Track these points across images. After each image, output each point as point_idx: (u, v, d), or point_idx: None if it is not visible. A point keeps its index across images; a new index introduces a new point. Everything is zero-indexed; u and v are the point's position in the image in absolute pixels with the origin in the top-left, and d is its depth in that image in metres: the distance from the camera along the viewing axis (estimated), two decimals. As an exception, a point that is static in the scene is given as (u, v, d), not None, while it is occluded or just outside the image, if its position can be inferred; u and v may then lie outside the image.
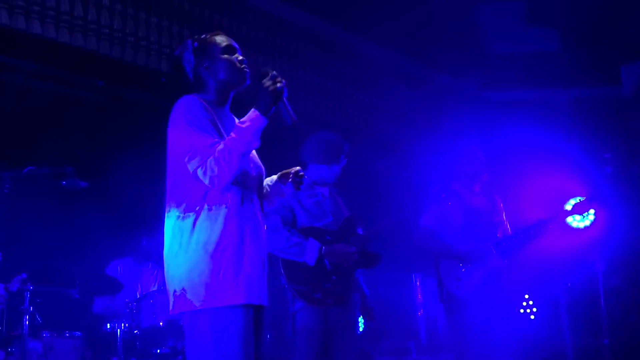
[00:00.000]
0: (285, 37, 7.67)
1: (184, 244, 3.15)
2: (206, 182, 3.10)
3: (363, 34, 8.13)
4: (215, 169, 3.08)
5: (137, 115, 6.61)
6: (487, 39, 8.97)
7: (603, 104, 9.03)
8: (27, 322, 5.33)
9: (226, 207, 3.18)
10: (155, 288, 6.40)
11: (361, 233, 4.81)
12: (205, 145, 3.12)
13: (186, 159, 3.13)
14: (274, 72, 3.20)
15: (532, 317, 8.21)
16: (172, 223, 3.21)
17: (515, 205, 6.00)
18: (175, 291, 3.14)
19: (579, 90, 8.87)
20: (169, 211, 3.24)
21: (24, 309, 5.32)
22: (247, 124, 3.14)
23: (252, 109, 3.17)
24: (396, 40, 8.02)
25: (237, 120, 3.26)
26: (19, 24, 5.68)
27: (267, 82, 3.19)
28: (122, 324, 5.70)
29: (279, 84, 3.17)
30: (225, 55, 3.39)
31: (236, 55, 3.41)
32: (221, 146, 3.12)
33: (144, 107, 6.81)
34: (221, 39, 3.42)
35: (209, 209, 3.16)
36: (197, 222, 3.15)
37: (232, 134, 3.15)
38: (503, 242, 5.32)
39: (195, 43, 3.40)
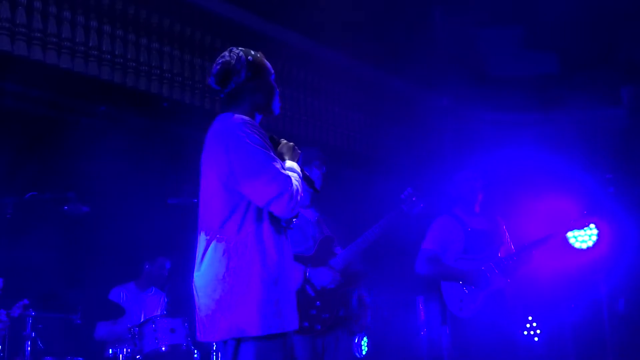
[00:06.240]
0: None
1: (233, 267, 3.01)
2: (278, 211, 3.03)
3: (365, 59, 8.15)
4: (292, 204, 3.02)
5: (139, 140, 6.62)
6: (487, 62, 9.01)
7: (604, 125, 9.04)
8: (28, 348, 5.31)
9: (271, 233, 3.08)
10: (161, 313, 6.36)
11: (339, 252, 4.78)
12: (282, 176, 3.03)
13: (258, 181, 3.00)
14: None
15: (536, 339, 8.17)
16: (214, 245, 3.07)
17: (517, 228, 5.99)
18: (219, 316, 3.01)
19: (580, 112, 8.88)
20: (208, 233, 3.10)
21: (26, 335, 5.30)
22: (299, 169, 3.22)
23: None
24: (397, 64, 8.04)
25: None
26: (20, 50, 5.71)
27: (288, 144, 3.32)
28: (125, 349, 5.66)
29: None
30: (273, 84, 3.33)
31: None
32: (295, 183, 3.06)
33: (146, 132, 6.83)
34: (269, 66, 3.35)
35: (257, 233, 3.06)
36: (249, 247, 3.02)
37: (297, 174, 3.14)
38: (505, 260, 5.30)
39: (250, 57, 3.25)
